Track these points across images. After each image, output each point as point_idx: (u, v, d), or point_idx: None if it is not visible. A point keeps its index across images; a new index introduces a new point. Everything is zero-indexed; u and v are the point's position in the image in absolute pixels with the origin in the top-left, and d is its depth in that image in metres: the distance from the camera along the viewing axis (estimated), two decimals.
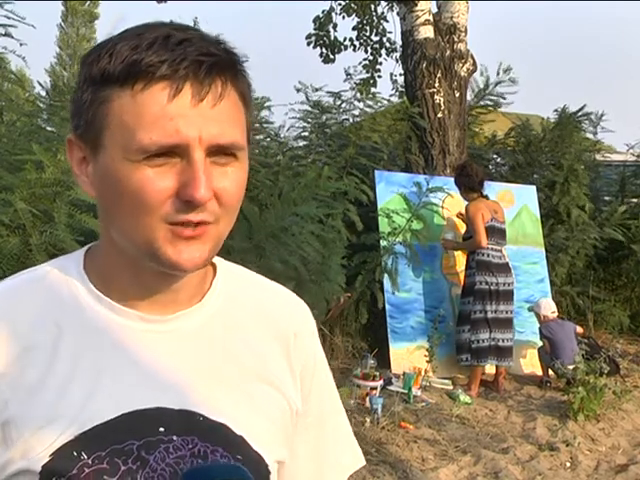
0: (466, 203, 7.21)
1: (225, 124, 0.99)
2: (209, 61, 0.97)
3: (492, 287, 6.95)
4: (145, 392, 1.05)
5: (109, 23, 34.26)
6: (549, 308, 7.41)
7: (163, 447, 1.03)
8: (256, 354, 1.16)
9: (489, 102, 10.11)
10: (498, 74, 9.87)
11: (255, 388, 1.14)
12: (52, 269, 1.11)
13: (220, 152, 0.99)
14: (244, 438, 1.09)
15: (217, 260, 1.20)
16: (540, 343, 7.47)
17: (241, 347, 1.15)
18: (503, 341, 7.03)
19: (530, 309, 7.58)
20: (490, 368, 7.24)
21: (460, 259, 7.72)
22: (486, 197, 7.24)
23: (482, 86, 10.05)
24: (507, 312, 7.09)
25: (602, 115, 10.38)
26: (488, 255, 6.99)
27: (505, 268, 7.11)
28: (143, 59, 0.95)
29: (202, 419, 1.07)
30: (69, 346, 1.04)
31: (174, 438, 1.04)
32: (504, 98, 9.92)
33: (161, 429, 1.03)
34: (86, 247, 1.15)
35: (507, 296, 7.08)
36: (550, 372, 7.28)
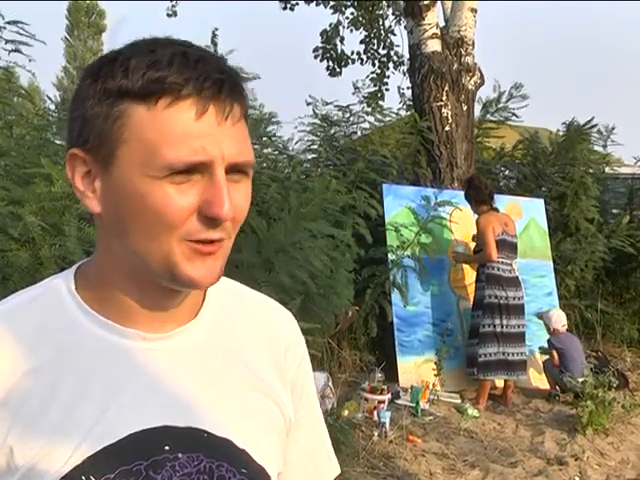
0: (476, 216, 7.20)
1: (242, 143, 1.01)
2: (229, 80, 0.99)
3: (502, 301, 6.93)
4: (151, 411, 1.05)
5: (110, 25, 34.52)
6: (560, 322, 7.38)
7: (169, 465, 1.03)
8: (251, 366, 1.17)
9: (499, 117, 10.07)
10: (510, 92, 9.84)
11: (253, 400, 1.15)
12: (44, 291, 1.11)
13: (235, 170, 1.01)
14: (247, 452, 1.10)
15: None
16: (544, 356, 7.47)
17: (237, 360, 1.16)
18: (514, 355, 7.00)
19: (539, 317, 7.55)
20: (499, 382, 7.22)
21: (468, 272, 7.72)
22: (496, 210, 7.23)
23: (493, 101, 10.00)
24: (519, 326, 7.06)
25: (613, 129, 10.38)
26: (498, 269, 6.97)
27: (515, 282, 7.09)
28: (167, 77, 0.96)
29: (207, 435, 1.07)
30: (70, 369, 1.04)
31: (179, 456, 1.04)
32: (517, 116, 9.88)
33: (166, 447, 1.03)
34: (75, 266, 1.14)
35: (518, 310, 7.06)
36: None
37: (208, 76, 0.97)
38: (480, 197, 7.15)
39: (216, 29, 6.76)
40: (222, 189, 0.98)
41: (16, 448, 0.99)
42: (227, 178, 0.99)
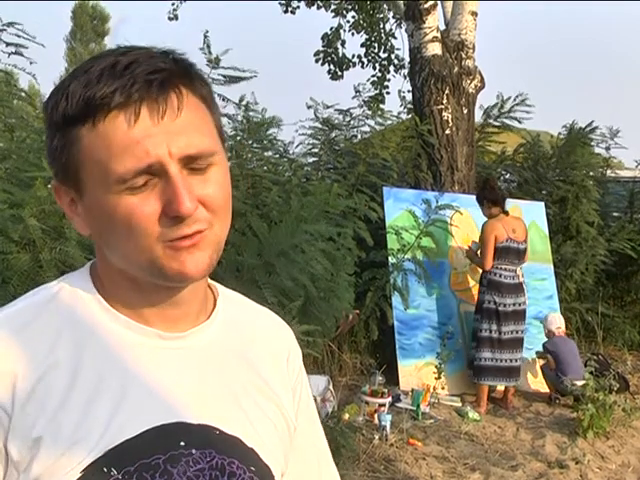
0: (481, 220, 7.17)
1: (191, 134, 1.01)
2: (159, 78, 1.00)
3: (500, 308, 6.90)
4: (166, 407, 1.07)
5: (112, 27, 34.55)
6: (554, 324, 7.39)
7: (184, 460, 1.05)
8: (257, 372, 1.21)
9: (501, 123, 10.02)
10: (515, 100, 9.79)
11: (260, 404, 1.18)
12: (61, 288, 1.13)
13: (194, 161, 1.01)
14: (255, 451, 1.13)
15: (214, 283, 1.24)
16: (541, 360, 7.48)
17: (246, 363, 1.20)
18: (511, 361, 6.99)
19: (542, 322, 7.57)
20: (499, 385, 7.22)
21: (468, 276, 7.72)
22: (506, 213, 7.19)
23: (495, 106, 9.94)
24: (517, 332, 7.02)
25: (617, 132, 10.34)
26: (500, 275, 6.94)
27: (517, 288, 7.01)
28: (96, 93, 0.98)
29: (218, 433, 1.10)
30: (90, 364, 1.06)
31: (193, 452, 1.06)
32: (520, 121, 9.85)
33: (182, 443, 1.06)
34: (87, 267, 1.17)
35: (518, 316, 7.02)
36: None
37: (135, 80, 0.98)
38: (494, 197, 7.06)
39: (207, 31, 6.73)
40: (178, 186, 0.99)
41: (42, 441, 1.00)
42: (189, 171, 1.01)
